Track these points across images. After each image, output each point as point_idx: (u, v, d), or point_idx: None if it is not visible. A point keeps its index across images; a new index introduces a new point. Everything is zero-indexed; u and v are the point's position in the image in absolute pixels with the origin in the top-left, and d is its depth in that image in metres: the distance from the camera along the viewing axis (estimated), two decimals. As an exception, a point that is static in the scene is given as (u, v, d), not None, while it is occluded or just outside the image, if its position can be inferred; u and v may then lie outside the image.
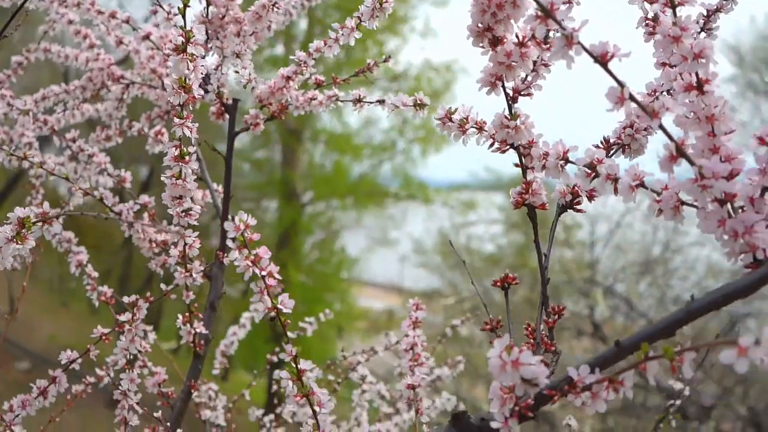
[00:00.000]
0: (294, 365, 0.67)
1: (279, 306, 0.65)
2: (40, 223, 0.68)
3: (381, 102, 0.92)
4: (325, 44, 0.93)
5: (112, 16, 1.12)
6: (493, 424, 0.57)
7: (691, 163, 0.53)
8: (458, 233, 9.74)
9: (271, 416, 1.38)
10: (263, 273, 0.65)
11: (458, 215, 10.71)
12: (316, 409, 0.67)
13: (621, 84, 0.53)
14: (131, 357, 0.95)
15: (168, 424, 0.95)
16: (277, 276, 0.65)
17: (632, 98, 0.52)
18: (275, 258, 0.67)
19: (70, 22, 1.25)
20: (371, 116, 11.94)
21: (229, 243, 0.64)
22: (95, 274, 1.13)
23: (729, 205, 0.54)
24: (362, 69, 1.03)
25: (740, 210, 0.54)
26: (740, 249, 0.52)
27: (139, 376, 1.00)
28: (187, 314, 0.99)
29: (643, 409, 6.35)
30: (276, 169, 11.83)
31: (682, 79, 0.57)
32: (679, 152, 0.53)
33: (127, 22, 1.11)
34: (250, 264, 0.64)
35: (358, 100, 0.96)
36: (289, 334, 0.68)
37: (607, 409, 0.52)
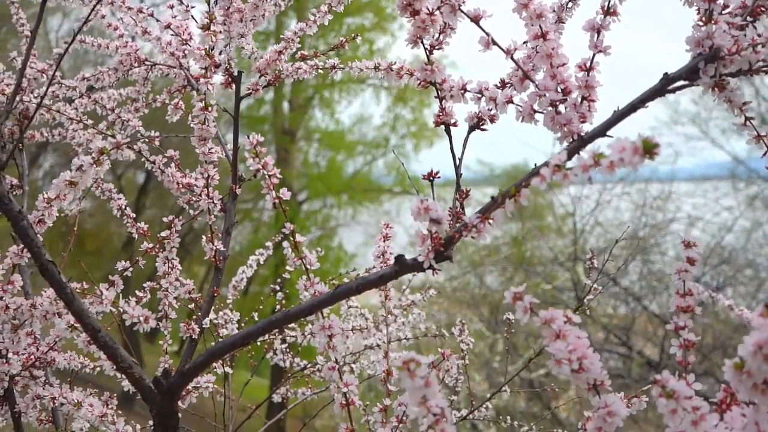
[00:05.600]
0: (292, 238, 0.99)
1: (280, 195, 0.97)
2: (114, 150, 0.99)
3: (350, 68, 1.23)
4: (306, 25, 1.26)
5: (140, 11, 1.43)
6: (419, 258, 0.88)
7: (533, 81, 0.85)
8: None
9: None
10: (270, 174, 0.96)
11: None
12: (308, 266, 0.98)
13: (487, 33, 0.85)
14: (170, 266, 1.26)
15: (198, 315, 1.26)
16: (279, 176, 0.97)
17: (494, 42, 0.84)
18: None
19: (103, 17, 1.56)
20: (363, 114, 12.25)
21: (246, 154, 0.95)
22: (133, 215, 1.44)
23: (562, 108, 0.86)
24: (336, 45, 1.35)
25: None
26: (564, 135, 0.84)
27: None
28: (209, 235, 1.30)
29: (628, 379, 6.69)
30: (271, 169, 12.13)
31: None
32: (524, 76, 0.85)
33: (152, 15, 1.43)
34: (261, 167, 0.96)
35: (334, 67, 1.28)
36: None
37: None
